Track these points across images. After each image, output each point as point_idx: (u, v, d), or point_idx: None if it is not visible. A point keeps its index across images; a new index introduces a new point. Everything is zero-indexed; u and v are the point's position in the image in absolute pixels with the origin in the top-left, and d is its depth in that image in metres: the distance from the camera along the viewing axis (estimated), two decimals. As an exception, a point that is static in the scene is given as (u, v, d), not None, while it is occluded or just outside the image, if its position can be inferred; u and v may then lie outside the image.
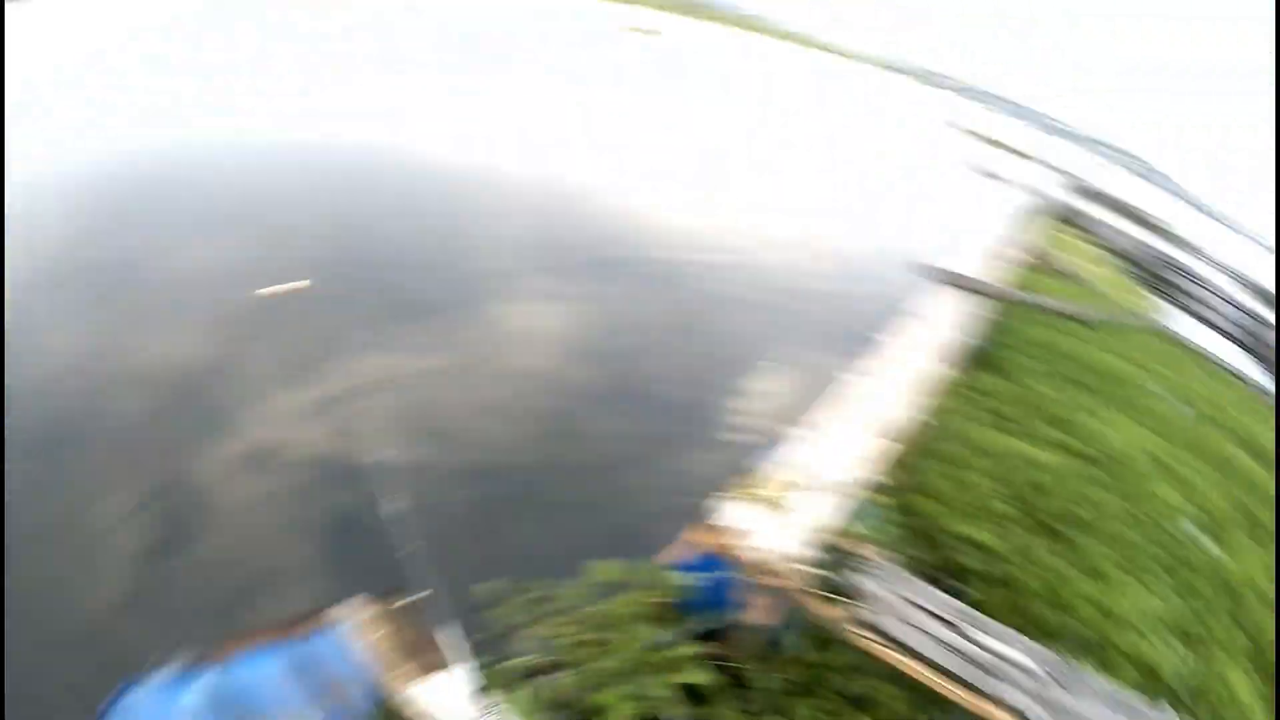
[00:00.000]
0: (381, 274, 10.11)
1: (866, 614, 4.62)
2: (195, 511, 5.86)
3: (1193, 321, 24.00)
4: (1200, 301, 29.20)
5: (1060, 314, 13.49)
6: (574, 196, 15.20)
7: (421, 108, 19.79)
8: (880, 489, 6.48)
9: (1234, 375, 17.04)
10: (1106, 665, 5.76)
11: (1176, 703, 5.91)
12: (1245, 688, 6.34)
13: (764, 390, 9.19)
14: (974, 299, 11.81)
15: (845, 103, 45.99)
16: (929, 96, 71.11)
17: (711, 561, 4.58)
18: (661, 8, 58.07)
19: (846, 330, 11.01)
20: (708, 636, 4.59)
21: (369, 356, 8.08)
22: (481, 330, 9.10)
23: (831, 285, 13.66)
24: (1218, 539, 8.63)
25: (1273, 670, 6.89)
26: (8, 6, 16.60)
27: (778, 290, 12.57)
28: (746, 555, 4.52)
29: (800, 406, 7.56)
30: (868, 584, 4.79)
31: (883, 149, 33.30)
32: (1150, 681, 5.97)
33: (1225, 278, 39.98)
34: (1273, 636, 7.19)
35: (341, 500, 6.24)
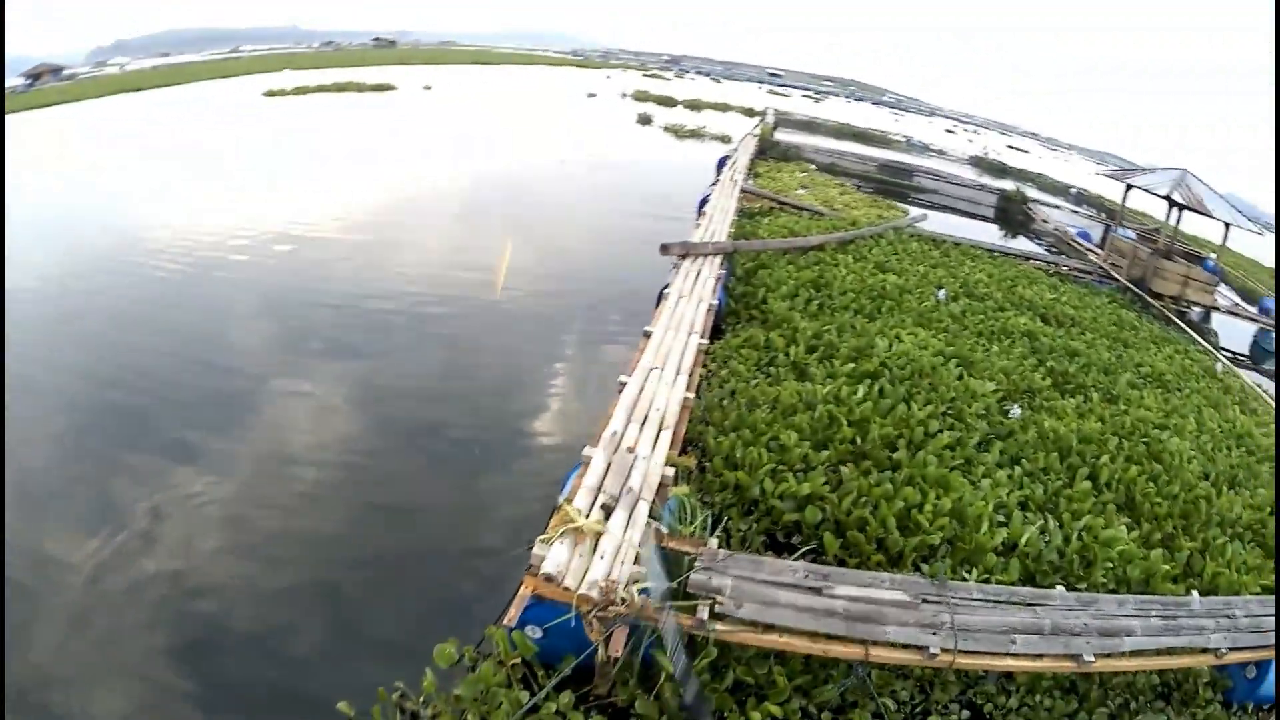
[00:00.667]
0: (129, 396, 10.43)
1: (721, 608, 5.09)
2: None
3: (943, 214, 28.65)
4: (942, 194, 35.04)
5: (806, 248, 15.47)
6: (298, 269, 16.12)
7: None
8: (689, 478, 7.16)
9: (1000, 253, 20.53)
10: (978, 567, 6.78)
11: (1067, 575, 7.14)
12: (1121, 534, 7.85)
13: (553, 412, 10.69)
14: (719, 261, 13.19)
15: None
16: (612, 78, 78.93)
17: (551, 608, 4.89)
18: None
19: (611, 329, 13.43)
20: (575, 683, 4.97)
21: (145, 489, 8.37)
22: (261, 435, 9.74)
23: (583, 285, 15.99)
24: (1040, 408, 10.45)
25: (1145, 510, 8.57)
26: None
27: (532, 305, 14.64)
28: (581, 592, 4.85)
29: (589, 419, 8.81)
30: (711, 578, 5.27)
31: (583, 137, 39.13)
32: (1030, 564, 7.16)
33: (958, 166, 48.30)
34: (1145, 486, 9.08)
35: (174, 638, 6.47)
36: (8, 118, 40.62)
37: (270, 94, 48.13)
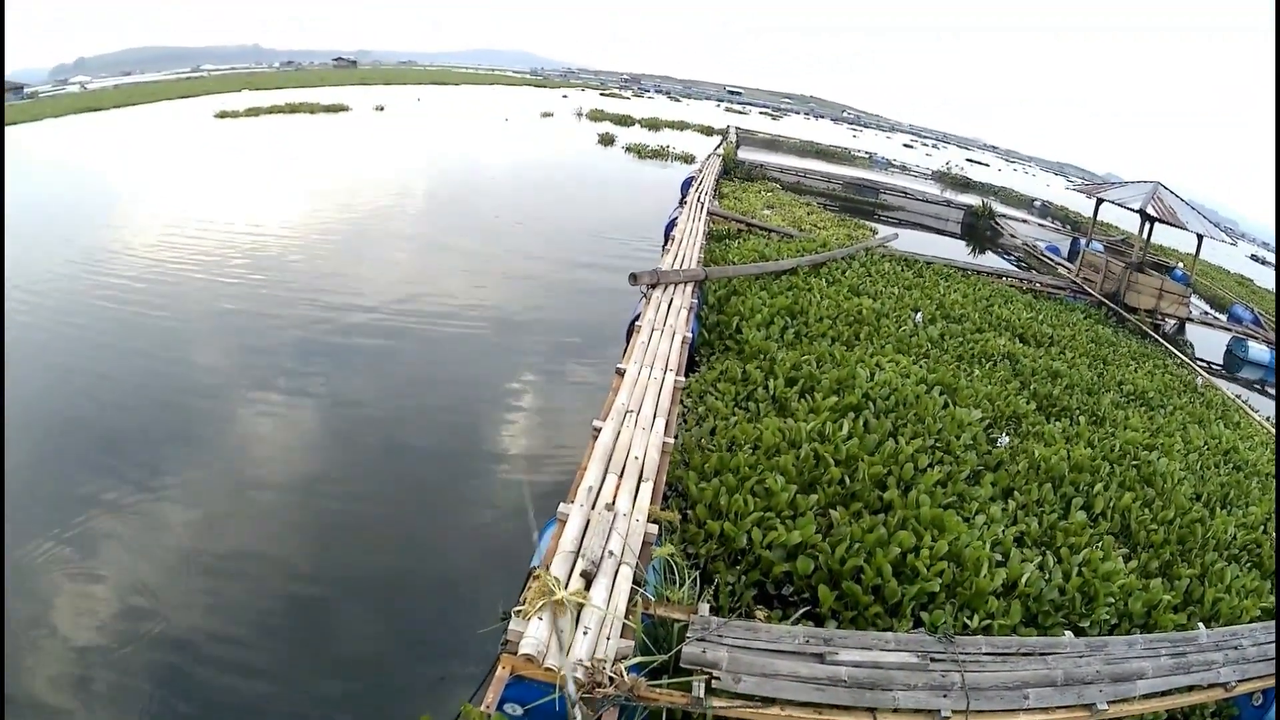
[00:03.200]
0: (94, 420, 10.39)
1: (718, 682, 4.77)
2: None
3: (911, 231, 28.78)
4: (909, 210, 35.25)
5: (778, 272, 15.28)
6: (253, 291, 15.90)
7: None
8: (673, 535, 6.78)
9: (973, 271, 20.54)
10: (979, 612, 6.54)
11: (1069, 613, 6.93)
12: (1120, 567, 7.70)
13: (524, 464, 10.33)
14: (690, 289, 12.92)
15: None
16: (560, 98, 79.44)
17: (532, 687, 4.56)
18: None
19: (579, 363, 13.40)
20: None
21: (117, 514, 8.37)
22: (219, 468, 9.58)
23: (552, 319, 15.79)
24: (1027, 435, 10.28)
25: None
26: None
27: (494, 339, 14.40)
28: (564, 672, 4.48)
29: (563, 471, 8.72)
30: (706, 650, 4.95)
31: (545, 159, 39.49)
32: (1032, 605, 6.98)
33: (922, 182, 48.73)
34: (1140, 513, 9.04)
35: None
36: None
37: (222, 115, 47.36)
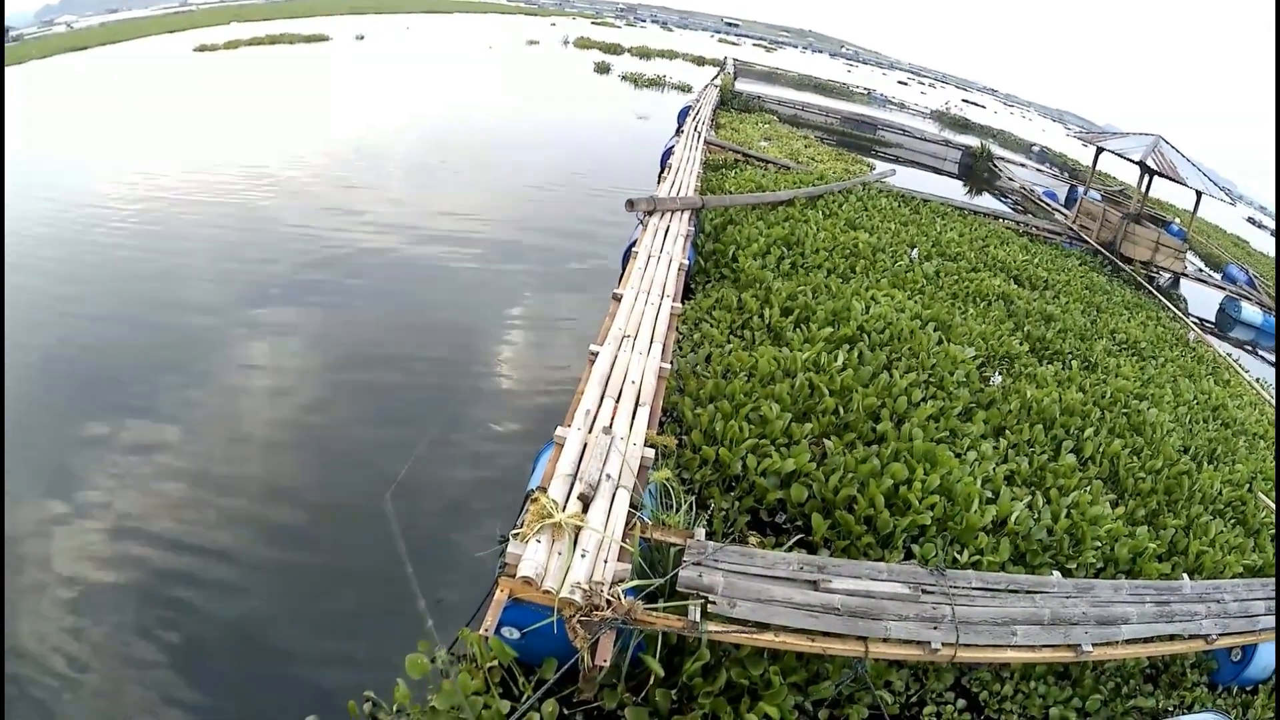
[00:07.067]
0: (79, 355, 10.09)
1: (713, 606, 4.75)
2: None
3: (908, 169, 28.45)
4: (907, 148, 34.89)
5: (775, 203, 15.07)
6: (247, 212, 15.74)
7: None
8: (668, 459, 6.75)
9: (970, 211, 20.35)
10: (969, 548, 6.63)
11: (1056, 554, 6.97)
12: (1107, 512, 7.74)
13: (520, 389, 10.25)
14: (687, 217, 12.74)
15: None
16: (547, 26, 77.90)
17: (530, 610, 4.54)
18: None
19: (577, 294, 13.09)
20: (558, 684, 4.60)
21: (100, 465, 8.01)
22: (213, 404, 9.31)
23: (545, 244, 15.52)
24: (1020, 376, 10.28)
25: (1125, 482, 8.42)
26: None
27: (495, 264, 14.19)
28: (563, 595, 4.45)
29: (558, 396, 8.67)
30: (702, 575, 4.92)
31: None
32: (1020, 544, 7.05)
33: (920, 120, 48.13)
34: (1129, 461, 9.11)
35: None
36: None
37: (201, 49, 45.38)
